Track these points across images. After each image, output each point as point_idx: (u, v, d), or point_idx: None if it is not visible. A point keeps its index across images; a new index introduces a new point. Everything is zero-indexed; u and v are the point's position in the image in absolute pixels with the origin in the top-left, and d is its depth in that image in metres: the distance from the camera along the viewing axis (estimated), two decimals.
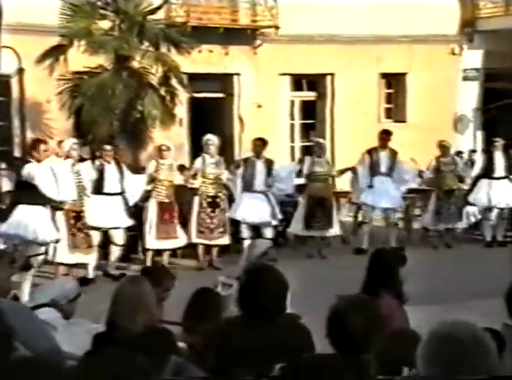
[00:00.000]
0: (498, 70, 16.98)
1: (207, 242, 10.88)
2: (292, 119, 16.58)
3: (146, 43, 12.37)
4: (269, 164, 11.23)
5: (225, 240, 10.97)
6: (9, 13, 13.04)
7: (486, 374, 2.23)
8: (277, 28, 15.35)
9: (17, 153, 13.99)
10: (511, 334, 2.97)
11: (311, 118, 16.80)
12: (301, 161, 12.02)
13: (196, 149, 14.67)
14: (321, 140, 12.49)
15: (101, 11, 12.30)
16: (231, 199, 11.23)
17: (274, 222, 11.20)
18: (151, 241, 10.56)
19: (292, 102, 16.54)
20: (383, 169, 11.86)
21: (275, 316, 3.84)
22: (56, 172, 9.09)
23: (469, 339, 2.28)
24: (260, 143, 11.34)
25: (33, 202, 8.96)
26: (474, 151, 15.40)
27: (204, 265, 10.86)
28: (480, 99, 17.36)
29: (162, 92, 12.70)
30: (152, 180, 10.60)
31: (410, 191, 13.34)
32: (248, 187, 11.06)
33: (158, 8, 12.74)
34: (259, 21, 15.38)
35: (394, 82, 17.12)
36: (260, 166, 11.17)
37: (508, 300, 3.21)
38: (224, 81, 15.89)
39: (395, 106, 17.14)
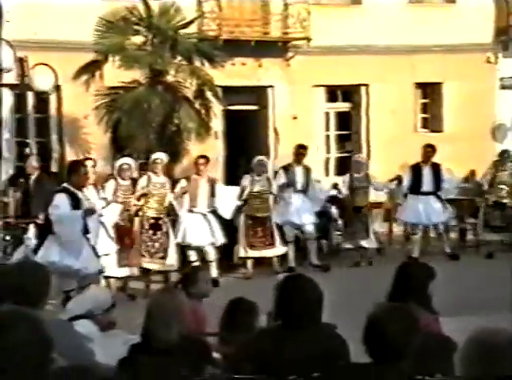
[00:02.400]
0: None
1: (148, 267, 10.10)
2: (327, 130, 16.55)
3: (179, 57, 12.47)
4: (212, 183, 10.79)
5: (164, 266, 10.13)
6: (45, 30, 13.30)
7: None
8: (308, 40, 15.36)
9: (54, 168, 14.17)
10: None
11: (347, 129, 16.75)
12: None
13: (232, 161, 14.76)
14: (261, 157, 11.52)
15: (135, 27, 12.43)
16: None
17: (214, 244, 10.61)
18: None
19: (327, 113, 16.51)
20: (298, 185, 11.41)
21: (310, 326, 3.82)
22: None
23: (508, 344, 2.24)
24: (204, 161, 10.79)
25: None
26: None
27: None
28: None
29: (197, 105, 12.78)
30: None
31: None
32: (191, 207, 10.54)
33: (191, 22, 12.85)
34: (291, 33, 15.40)
35: (429, 92, 16.99)
36: (203, 185, 10.67)
37: None
38: (258, 93, 15.93)
39: (432, 116, 17.00)
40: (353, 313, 4.52)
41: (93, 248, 8.60)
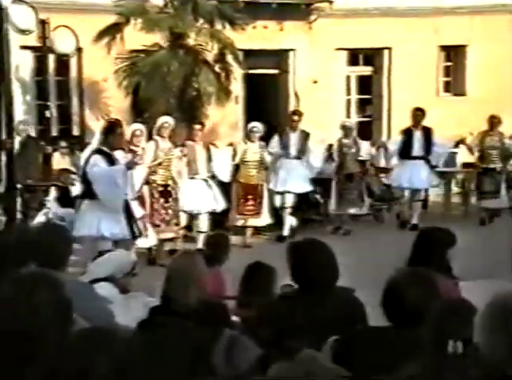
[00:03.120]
0: None
1: (165, 236, 9.96)
2: (349, 94, 16.41)
3: (200, 20, 12.37)
4: (208, 148, 10.65)
5: (178, 233, 10.18)
6: None
7: None
8: (331, 2, 15.16)
9: (75, 131, 14.22)
10: None
11: (368, 93, 16.60)
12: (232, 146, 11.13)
13: None
14: (256, 124, 11.11)
15: None
16: None
17: (215, 210, 10.52)
18: None
19: (349, 77, 16.36)
20: (292, 152, 11.17)
21: (327, 289, 3.83)
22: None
23: None
24: (199, 127, 10.72)
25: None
26: None
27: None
28: None
29: (217, 69, 12.71)
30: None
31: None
32: (191, 173, 10.38)
33: None
34: None
35: (453, 55, 16.76)
36: (200, 151, 10.52)
37: None
38: (279, 57, 15.79)
39: (454, 79, 16.79)
40: (370, 278, 4.53)
41: (130, 214, 8.32)
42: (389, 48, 16.07)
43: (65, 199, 10.36)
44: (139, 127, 10.06)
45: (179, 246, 9.89)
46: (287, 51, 15.60)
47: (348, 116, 16.26)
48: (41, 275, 2.80)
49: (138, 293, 5.13)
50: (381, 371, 2.67)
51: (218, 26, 12.45)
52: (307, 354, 3.25)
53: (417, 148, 11.68)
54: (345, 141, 11.64)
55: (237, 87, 13.96)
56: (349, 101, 16.41)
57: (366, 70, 16.55)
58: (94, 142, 8.45)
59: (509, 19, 16.44)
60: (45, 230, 4.29)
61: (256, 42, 14.35)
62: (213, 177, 10.61)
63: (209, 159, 10.54)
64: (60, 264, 3.85)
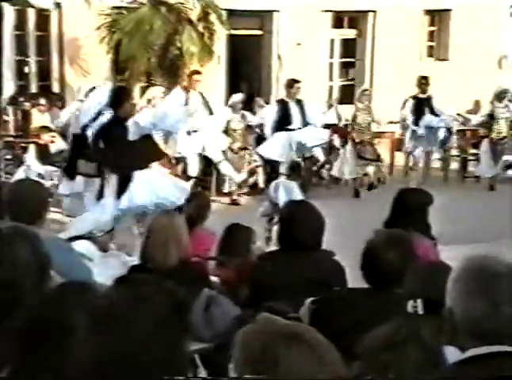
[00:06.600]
0: None
1: None
2: (332, 57, 16.29)
3: None
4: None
5: None
6: None
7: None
8: None
9: (55, 88, 14.02)
10: None
11: (351, 56, 16.49)
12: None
13: (233, 87, 14.59)
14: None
15: None
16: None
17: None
18: None
19: (332, 40, 16.23)
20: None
21: (310, 251, 3.84)
22: None
23: (505, 270, 2.21)
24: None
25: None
26: None
27: None
28: None
29: (200, 28, 12.54)
30: None
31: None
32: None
33: None
34: None
35: (437, 19, 16.66)
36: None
37: None
38: (263, 17, 15.61)
39: (438, 44, 16.72)
40: (351, 241, 4.53)
41: None
42: (374, 11, 15.94)
43: (44, 157, 10.29)
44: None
45: None
46: (271, 11, 15.42)
47: (331, 79, 16.19)
48: (18, 229, 2.76)
49: (117, 252, 5.11)
50: (358, 332, 2.68)
51: None
52: (265, 317, 3.25)
53: (296, 120, 11.32)
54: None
55: (220, 47, 13.80)
56: (331, 64, 16.31)
57: (350, 33, 16.43)
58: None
59: None
60: (20, 186, 4.23)
61: (240, 2, 14.17)
62: None
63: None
64: (36, 220, 3.79)
